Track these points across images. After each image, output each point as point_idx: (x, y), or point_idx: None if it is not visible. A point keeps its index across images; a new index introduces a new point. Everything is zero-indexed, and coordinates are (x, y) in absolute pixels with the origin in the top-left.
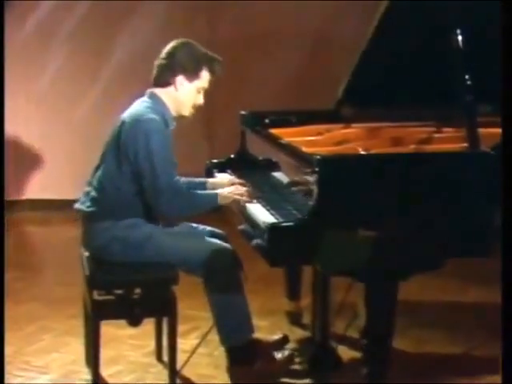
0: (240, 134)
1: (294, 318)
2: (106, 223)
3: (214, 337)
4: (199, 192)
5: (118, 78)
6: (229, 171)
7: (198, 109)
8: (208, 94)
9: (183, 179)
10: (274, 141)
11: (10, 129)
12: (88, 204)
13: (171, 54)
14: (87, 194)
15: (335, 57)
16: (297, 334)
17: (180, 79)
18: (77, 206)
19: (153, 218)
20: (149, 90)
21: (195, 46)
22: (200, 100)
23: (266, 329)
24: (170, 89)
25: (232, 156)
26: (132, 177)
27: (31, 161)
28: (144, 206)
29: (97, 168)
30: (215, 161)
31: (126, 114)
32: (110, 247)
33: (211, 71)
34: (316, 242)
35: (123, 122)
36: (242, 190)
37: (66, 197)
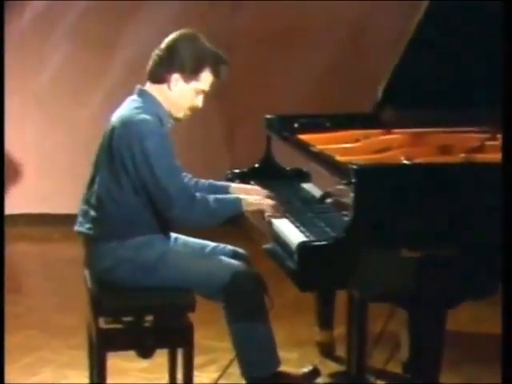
0: (265, 141)
1: (326, 350)
2: (111, 244)
3: (236, 369)
4: (219, 196)
5: (126, 76)
6: (252, 182)
7: (194, 111)
8: (229, 95)
9: (202, 181)
10: (304, 148)
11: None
12: (88, 226)
13: (171, 48)
14: (85, 213)
15: (372, 53)
16: (329, 367)
17: (176, 77)
18: (76, 228)
19: (164, 230)
20: (138, 87)
21: (200, 41)
22: (198, 102)
23: (294, 361)
24: (164, 86)
25: (256, 165)
26: (133, 189)
27: (27, 170)
28: (152, 220)
29: (91, 182)
30: (237, 170)
31: (115, 118)
32: (117, 270)
33: (215, 73)
34: (352, 263)
35: (113, 128)
36: (270, 201)
37: (67, 211)
